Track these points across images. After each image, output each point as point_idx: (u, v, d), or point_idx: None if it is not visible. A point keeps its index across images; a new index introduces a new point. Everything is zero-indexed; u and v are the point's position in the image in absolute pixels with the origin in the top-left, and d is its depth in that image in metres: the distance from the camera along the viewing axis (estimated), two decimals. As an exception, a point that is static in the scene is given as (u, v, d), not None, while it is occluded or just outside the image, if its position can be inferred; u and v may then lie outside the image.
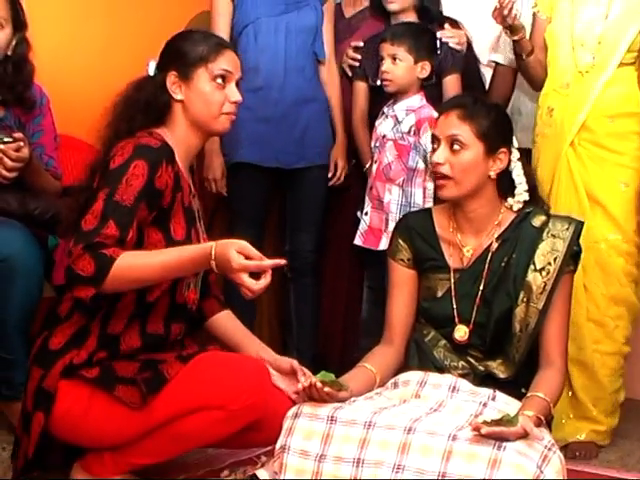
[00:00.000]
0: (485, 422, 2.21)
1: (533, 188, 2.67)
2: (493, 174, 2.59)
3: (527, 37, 3.25)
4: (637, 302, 3.23)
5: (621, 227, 3.14)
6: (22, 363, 2.97)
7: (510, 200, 2.62)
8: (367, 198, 3.44)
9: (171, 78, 2.54)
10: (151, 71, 2.59)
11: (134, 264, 2.35)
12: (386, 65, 3.35)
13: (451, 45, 3.49)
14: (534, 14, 3.32)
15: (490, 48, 3.61)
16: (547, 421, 2.47)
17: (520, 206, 2.62)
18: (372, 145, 3.46)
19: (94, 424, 2.48)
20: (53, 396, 2.47)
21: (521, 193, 2.62)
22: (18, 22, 3.04)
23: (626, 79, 3.15)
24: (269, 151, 3.45)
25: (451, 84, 3.48)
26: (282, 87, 3.46)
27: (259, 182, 3.50)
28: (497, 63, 3.59)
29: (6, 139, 2.86)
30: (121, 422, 2.46)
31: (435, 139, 2.58)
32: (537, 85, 3.32)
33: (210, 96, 2.56)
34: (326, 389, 2.33)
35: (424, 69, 3.36)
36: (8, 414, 3.04)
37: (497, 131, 2.58)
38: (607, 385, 3.19)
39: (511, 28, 3.19)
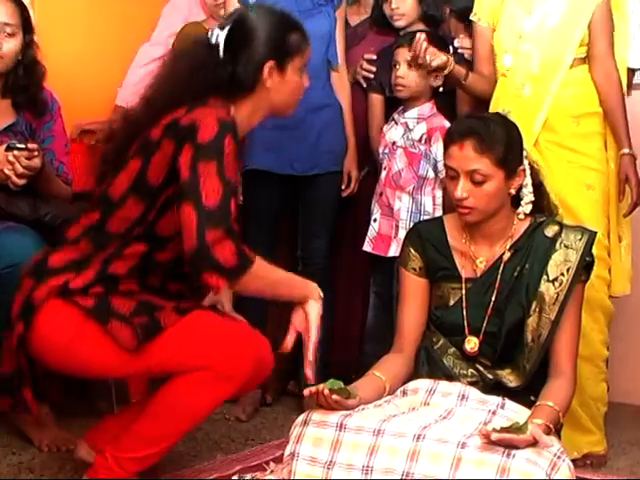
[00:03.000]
0: (494, 430, 2.21)
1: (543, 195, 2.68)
2: (513, 191, 2.59)
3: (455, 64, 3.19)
4: (611, 305, 3.20)
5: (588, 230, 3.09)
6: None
7: (520, 208, 2.62)
8: (376, 205, 3.44)
9: (268, 68, 2.49)
10: (216, 39, 2.49)
11: (264, 274, 2.38)
12: (401, 70, 3.35)
13: (466, 56, 3.50)
14: (474, 23, 3.29)
15: None
16: (556, 430, 2.47)
17: (529, 208, 2.62)
18: (380, 152, 3.46)
19: (79, 353, 2.42)
20: (37, 308, 2.43)
21: (527, 195, 2.61)
22: (27, 26, 3.08)
23: (583, 78, 3.15)
24: (284, 158, 3.44)
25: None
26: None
27: (273, 189, 3.50)
28: None
29: (19, 145, 2.88)
30: (108, 358, 2.41)
31: (451, 170, 2.55)
32: (485, 98, 3.27)
33: (298, 85, 2.58)
34: (334, 397, 2.33)
35: (438, 77, 3.34)
36: (16, 420, 3.04)
37: (513, 152, 2.56)
38: (586, 389, 3.14)
39: (437, 68, 3.15)
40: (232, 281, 2.31)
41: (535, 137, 3.12)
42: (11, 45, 3.03)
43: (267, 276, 2.41)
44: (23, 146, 2.88)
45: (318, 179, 3.51)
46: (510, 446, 2.18)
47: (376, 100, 3.59)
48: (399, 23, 3.53)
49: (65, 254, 2.50)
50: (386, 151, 3.43)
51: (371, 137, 3.60)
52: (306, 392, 2.37)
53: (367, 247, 3.43)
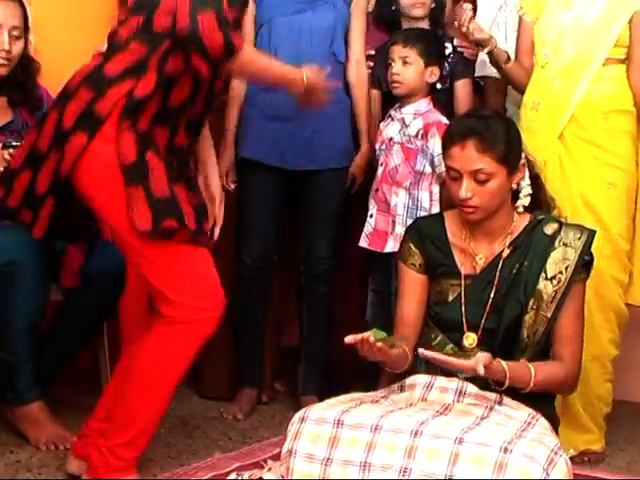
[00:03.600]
0: (445, 353, 2.29)
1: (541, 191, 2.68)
2: (515, 186, 2.60)
3: (497, 46, 3.25)
4: (625, 307, 3.19)
5: (607, 229, 3.08)
6: (27, 367, 2.98)
7: (518, 202, 2.62)
8: (372, 200, 3.43)
9: None
10: None
11: (250, 60, 2.63)
12: (396, 67, 3.36)
13: (465, 54, 3.52)
14: (520, 17, 3.32)
15: (478, 64, 3.59)
16: (554, 426, 2.48)
17: (527, 201, 2.62)
18: (377, 148, 3.46)
19: (108, 197, 2.51)
20: (102, 122, 2.48)
21: (524, 187, 2.62)
22: (27, 26, 3.12)
23: (617, 77, 3.14)
24: (275, 150, 3.41)
25: (462, 88, 3.50)
26: None
27: (265, 181, 3.44)
28: (485, 77, 3.60)
29: (15, 143, 2.88)
30: (122, 217, 2.49)
31: (454, 171, 2.55)
32: (521, 89, 3.30)
33: None
34: (379, 344, 2.34)
35: (433, 74, 3.37)
36: (12, 418, 3.05)
37: (514, 149, 2.57)
38: (592, 388, 3.15)
39: (478, 42, 3.23)
40: (219, 67, 2.52)
41: (560, 130, 3.13)
42: (19, 48, 3.07)
43: (254, 61, 2.67)
44: (19, 144, 2.88)
45: (318, 176, 3.45)
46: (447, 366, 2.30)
47: (374, 95, 3.58)
48: (417, 12, 3.50)
49: (120, 60, 2.53)
50: (383, 147, 3.43)
51: (370, 133, 3.56)
52: (349, 339, 2.35)
53: (363, 243, 3.43)
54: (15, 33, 3.04)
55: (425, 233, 2.68)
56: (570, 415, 3.11)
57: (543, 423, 2.40)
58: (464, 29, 3.19)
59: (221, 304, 2.58)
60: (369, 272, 3.54)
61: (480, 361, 2.31)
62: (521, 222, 2.63)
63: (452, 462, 2.17)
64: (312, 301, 3.57)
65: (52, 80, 3.24)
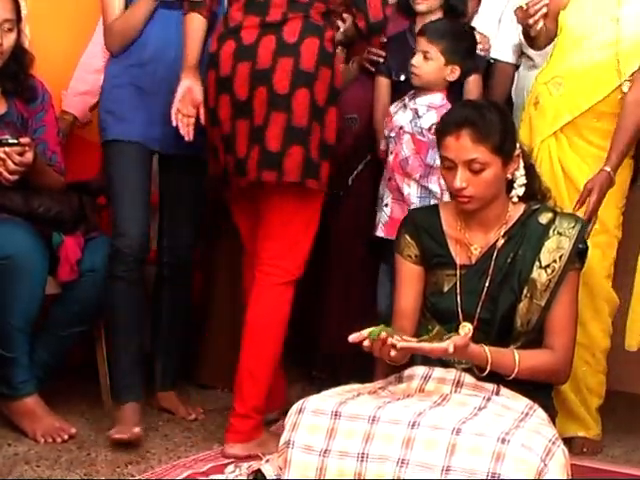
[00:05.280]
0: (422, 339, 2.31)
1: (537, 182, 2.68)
2: (510, 176, 2.60)
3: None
4: (615, 295, 3.18)
5: (599, 218, 3.05)
6: (23, 362, 2.99)
7: (513, 192, 2.62)
8: (386, 190, 3.37)
9: None
10: None
11: None
12: (415, 59, 3.29)
13: (478, 51, 3.48)
14: None
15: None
16: (551, 416, 2.48)
17: (522, 191, 2.62)
18: (386, 133, 3.40)
19: None
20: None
21: (519, 177, 2.62)
22: (19, 17, 3.10)
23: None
24: (136, 125, 3.14)
25: (473, 84, 3.42)
26: (172, 63, 3.08)
27: (134, 160, 3.15)
28: (496, 60, 3.59)
29: (11, 141, 2.86)
30: None
31: (448, 161, 2.55)
32: (537, 47, 3.27)
33: None
34: (391, 340, 2.32)
35: (453, 72, 3.29)
36: (8, 413, 3.05)
37: (509, 138, 2.57)
38: (583, 379, 3.14)
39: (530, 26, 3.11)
40: None
41: (557, 128, 3.12)
42: (10, 40, 3.04)
43: None
44: (15, 141, 2.87)
45: (183, 158, 3.22)
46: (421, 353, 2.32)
47: (382, 83, 3.54)
48: (420, 7, 3.46)
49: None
50: (392, 134, 3.35)
51: (375, 120, 3.53)
52: (354, 337, 2.34)
53: (380, 232, 3.35)
54: (7, 26, 3.02)
55: (420, 224, 2.68)
56: (564, 405, 3.11)
57: (540, 414, 2.40)
58: (531, 21, 3.06)
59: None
60: (383, 261, 3.46)
61: (454, 342, 2.29)
62: (516, 212, 2.63)
63: (450, 453, 2.17)
64: (175, 295, 3.39)
65: (47, 73, 3.25)
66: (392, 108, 3.40)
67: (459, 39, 3.32)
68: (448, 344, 2.29)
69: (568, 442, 2.95)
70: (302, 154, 2.79)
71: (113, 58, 3.22)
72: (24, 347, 2.98)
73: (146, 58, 3.15)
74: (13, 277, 2.90)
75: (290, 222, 2.89)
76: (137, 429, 2.94)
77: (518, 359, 2.45)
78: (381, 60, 3.54)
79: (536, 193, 2.68)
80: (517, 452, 2.15)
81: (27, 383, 3.00)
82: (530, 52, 3.50)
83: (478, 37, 3.48)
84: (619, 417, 3.46)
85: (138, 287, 3.13)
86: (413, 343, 2.33)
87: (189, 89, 2.90)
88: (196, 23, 2.95)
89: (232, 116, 2.84)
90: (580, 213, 2.90)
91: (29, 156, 2.90)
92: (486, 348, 2.42)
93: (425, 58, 3.29)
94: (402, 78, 3.45)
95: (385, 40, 3.56)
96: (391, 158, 3.36)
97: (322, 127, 2.83)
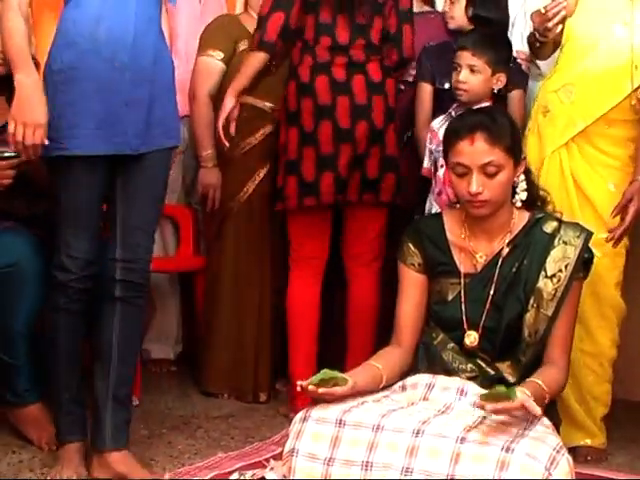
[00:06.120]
0: (481, 397, 2.26)
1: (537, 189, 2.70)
2: (517, 180, 2.62)
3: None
4: (623, 304, 3.17)
5: (608, 227, 3.04)
6: (26, 370, 2.98)
7: (516, 197, 2.63)
8: (435, 203, 3.30)
9: None
10: None
11: None
12: (463, 75, 3.21)
13: (522, 66, 3.51)
14: None
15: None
16: (555, 424, 2.48)
17: (525, 195, 2.63)
18: (433, 149, 3.33)
19: None
20: None
21: (520, 182, 2.63)
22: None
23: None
24: (109, 134, 2.66)
25: (516, 98, 3.42)
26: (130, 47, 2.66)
27: (96, 175, 2.70)
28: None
29: (7, 154, 2.82)
30: None
31: (462, 167, 2.55)
32: (542, 57, 3.30)
33: None
34: (320, 390, 2.32)
35: (500, 81, 3.24)
36: (13, 420, 3.05)
37: (517, 139, 2.61)
38: (588, 387, 3.13)
39: (548, 30, 3.10)
40: None
41: (568, 138, 3.12)
42: None
43: None
44: (12, 154, 2.83)
45: (145, 157, 2.72)
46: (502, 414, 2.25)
47: (426, 89, 3.51)
48: (450, 26, 3.54)
49: None
50: (439, 149, 3.16)
51: (417, 127, 3.50)
52: (301, 385, 2.35)
53: None
54: None
55: (424, 232, 2.69)
56: (568, 414, 3.10)
57: (545, 422, 2.39)
58: (550, 24, 3.05)
59: None
60: None
61: (525, 401, 2.25)
62: (520, 220, 2.63)
63: (454, 461, 2.17)
64: (128, 316, 2.76)
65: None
66: (435, 124, 3.33)
67: (500, 46, 3.29)
68: (521, 402, 2.23)
69: (573, 450, 2.96)
70: (394, 179, 3.32)
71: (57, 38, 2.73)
72: (28, 354, 2.98)
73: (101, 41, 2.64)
74: (16, 285, 2.90)
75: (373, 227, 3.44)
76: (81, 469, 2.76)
77: (546, 388, 2.43)
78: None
79: (535, 198, 2.69)
80: (522, 461, 2.15)
81: (31, 391, 3.00)
82: (538, 61, 3.50)
83: (518, 53, 3.48)
84: (624, 425, 3.46)
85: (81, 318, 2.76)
86: (497, 405, 2.24)
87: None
88: (260, 62, 3.27)
89: (333, 139, 3.24)
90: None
91: (9, 173, 2.87)
92: (527, 392, 2.33)
93: (472, 72, 3.21)
94: (446, 86, 3.41)
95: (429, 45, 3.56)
96: (441, 172, 3.25)
97: (402, 153, 3.37)
